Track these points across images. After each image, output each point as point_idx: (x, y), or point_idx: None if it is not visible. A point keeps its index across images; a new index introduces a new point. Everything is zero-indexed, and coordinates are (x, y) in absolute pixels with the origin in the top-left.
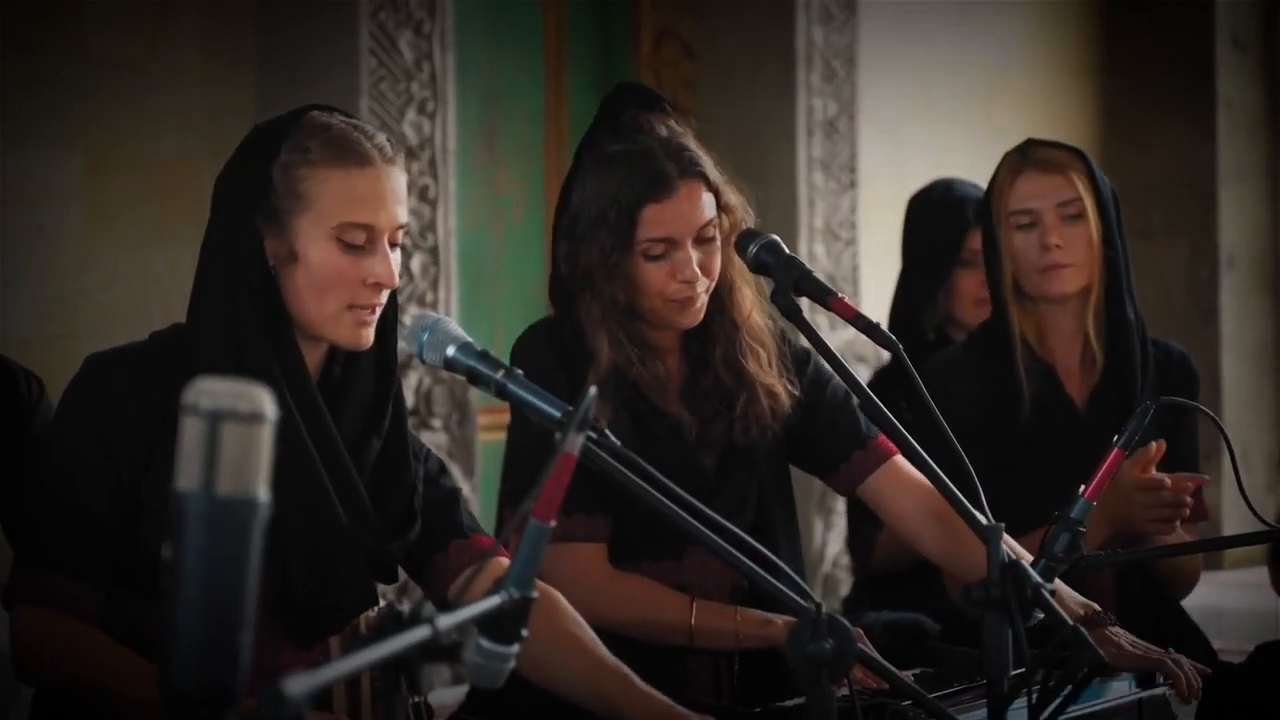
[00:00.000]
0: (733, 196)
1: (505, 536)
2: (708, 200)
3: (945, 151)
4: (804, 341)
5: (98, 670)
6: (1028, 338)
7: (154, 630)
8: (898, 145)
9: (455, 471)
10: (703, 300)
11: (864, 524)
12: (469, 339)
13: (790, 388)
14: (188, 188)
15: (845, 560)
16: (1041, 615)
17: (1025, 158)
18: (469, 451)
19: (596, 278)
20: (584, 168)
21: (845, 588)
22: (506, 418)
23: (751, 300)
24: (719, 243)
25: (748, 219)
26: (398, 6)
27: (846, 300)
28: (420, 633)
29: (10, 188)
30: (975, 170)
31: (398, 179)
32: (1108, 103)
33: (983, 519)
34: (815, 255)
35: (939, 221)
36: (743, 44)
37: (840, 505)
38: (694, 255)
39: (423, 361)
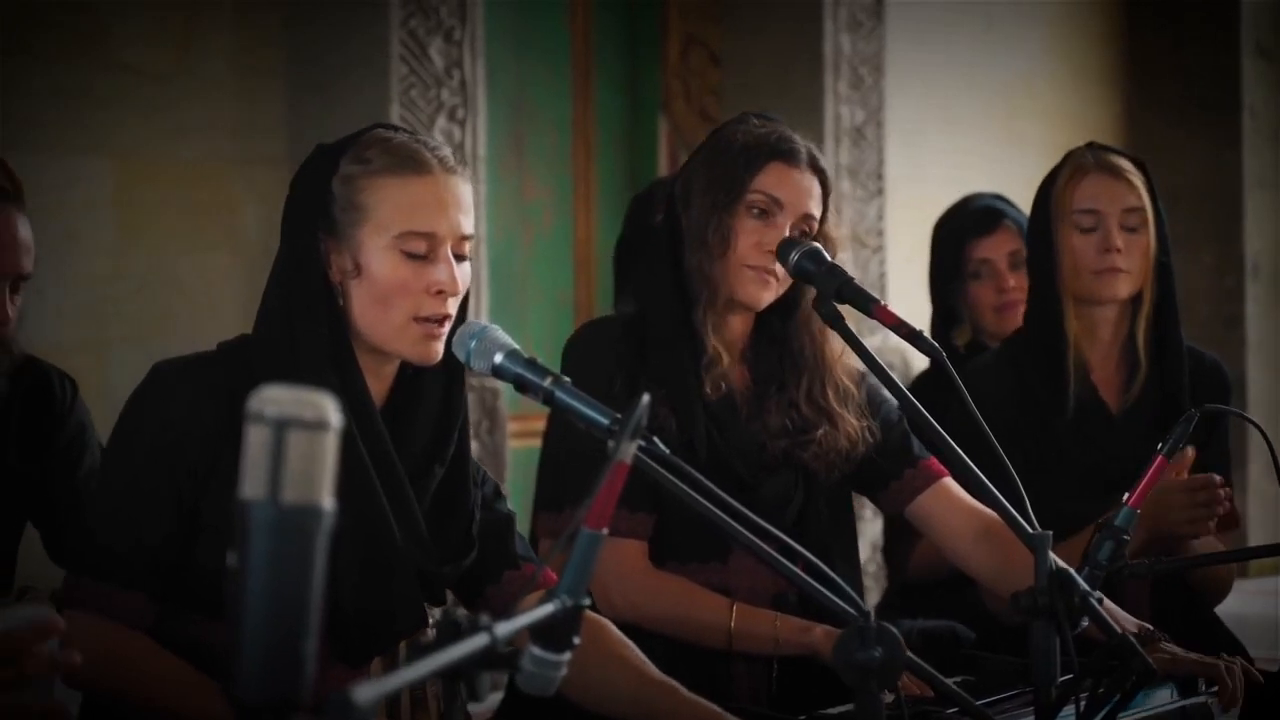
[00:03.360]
0: (833, 228)
1: (560, 545)
2: (819, 200)
3: (969, 159)
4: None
5: (148, 681)
6: (1075, 340)
7: (207, 643)
8: (922, 153)
9: None
10: (774, 289)
11: (901, 536)
12: (516, 346)
13: (870, 435)
14: (218, 197)
15: (872, 568)
16: (1086, 624)
17: (1093, 160)
18: (499, 459)
19: (697, 221)
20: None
21: (874, 595)
22: (536, 424)
23: (842, 346)
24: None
25: (835, 253)
26: (428, 14)
27: (889, 308)
28: (479, 641)
29: (41, 196)
30: (999, 178)
31: (460, 189)
32: (1131, 111)
33: (1029, 527)
34: (841, 263)
35: (942, 240)
36: (770, 51)
37: (868, 513)
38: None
39: (470, 369)
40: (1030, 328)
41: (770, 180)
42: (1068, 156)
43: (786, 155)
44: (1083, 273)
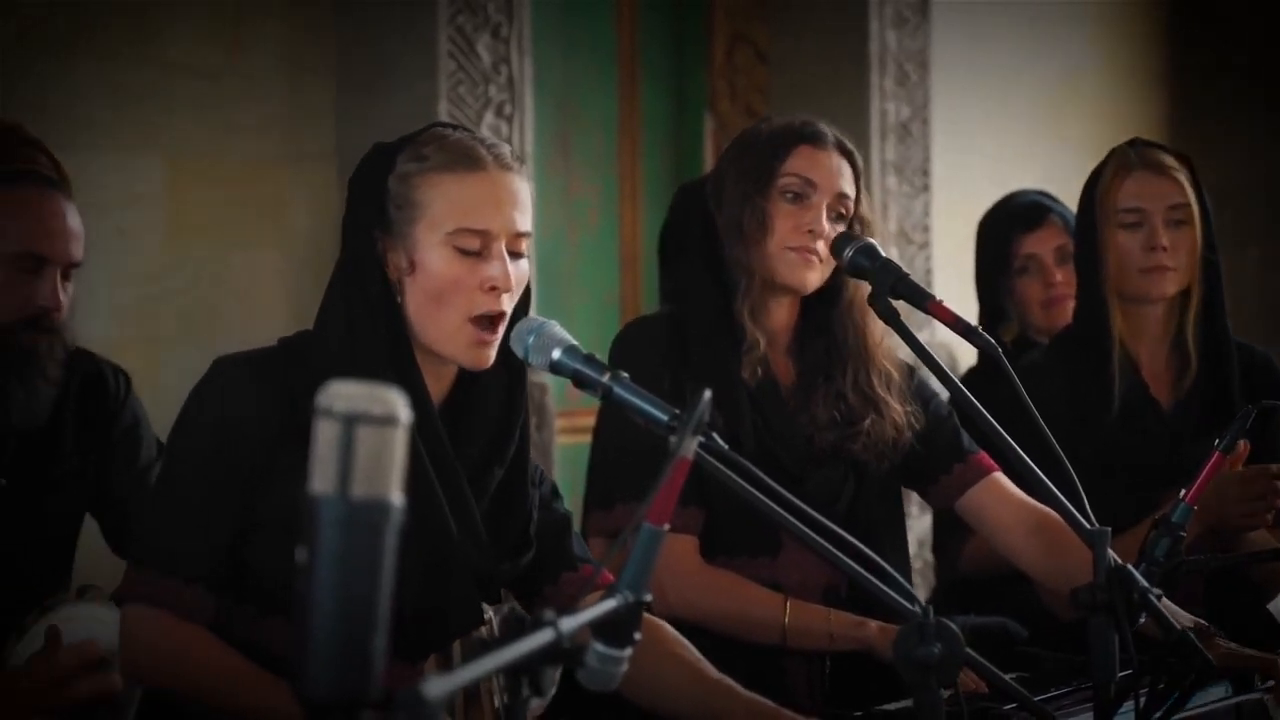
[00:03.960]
0: (866, 210)
1: (619, 542)
2: (850, 180)
3: (1015, 156)
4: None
5: (210, 675)
6: (1122, 338)
7: (263, 640)
8: (968, 149)
9: None
10: (819, 271)
11: (952, 531)
12: (574, 342)
13: (915, 421)
14: (267, 193)
15: (919, 565)
16: (1143, 620)
17: (1136, 157)
18: (547, 455)
19: (732, 211)
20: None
21: (921, 592)
22: (584, 421)
23: (882, 330)
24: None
25: (871, 236)
26: (476, 10)
27: (944, 304)
28: (544, 636)
29: (91, 193)
30: (1045, 175)
31: (516, 186)
32: (1177, 109)
33: (1086, 523)
34: (889, 258)
35: (988, 236)
36: (816, 48)
37: (914, 509)
38: (825, 216)
39: (529, 364)
40: (1078, 325)
41: (800, 163)
42: (1111, 154)
43: (812, 138)
44: (1129, 271)
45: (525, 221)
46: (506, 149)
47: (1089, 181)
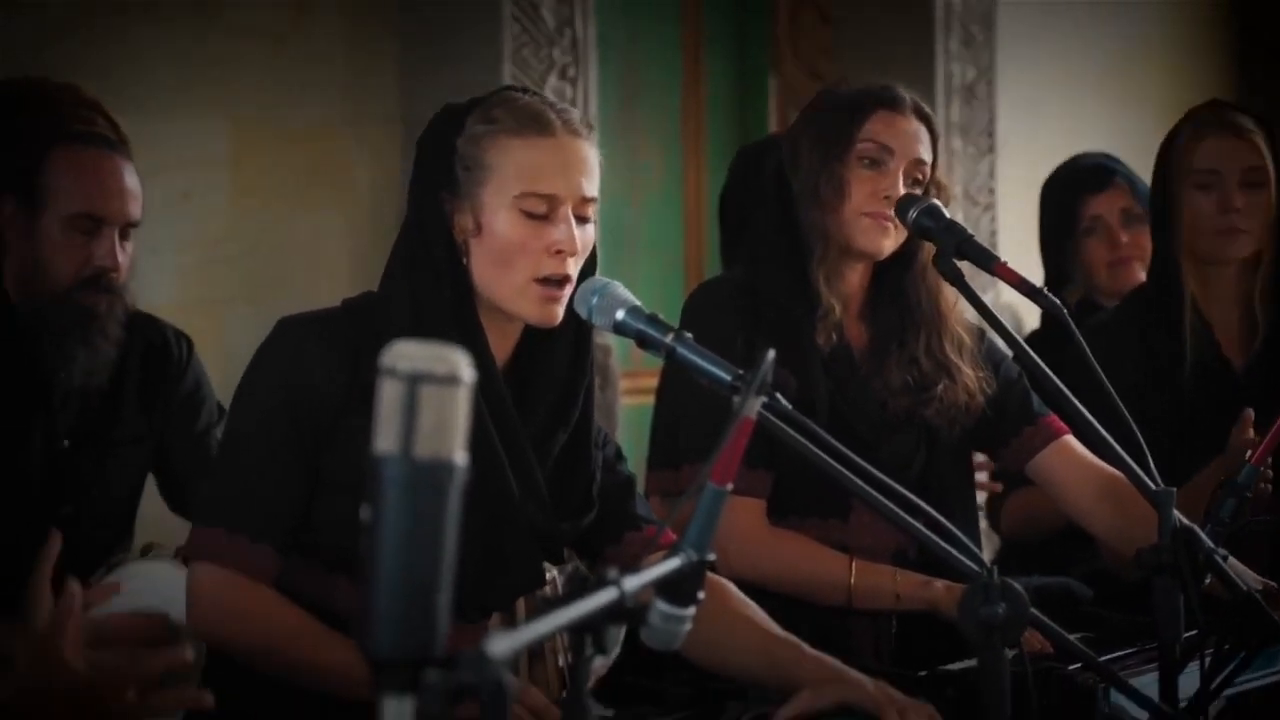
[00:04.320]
0: (942, 175)
1: (682, 501)
2: (928, 146)
3: (1082, 117)
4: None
5: (278, 633)
6: (1195, 298)
7: (326, 599)
8: (1034, 110)
9: None
10: (894, 237)
11: (1001, 494)
12: (637, 302)
13: (986, 386)
14: (331, 156)
15: (985, 526)
16: (1208, 581)
17: (1214, 118)
18: (611, 416)
19: (809, 175)
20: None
21: (986, 553)
22: (648, 382)
23: (955, 295)
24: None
25: (946, 201)
26: None
27: (1009, 266)
28: (607, 595)
29: (155, 156)
30: (1112, 137)
31: (584, 151)
32: (1249, 69)
33: (1152, 484)
34: (954, 219)
35: (1053, 198)
36: (880, 9)
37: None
38: (901, 183)
39: (593, 325)
40: (1151, 285)
41: (878, 128)
42: (1189, 115)
43: (891, 103)
44: (1202, 232)
45: (592, 187)
46: (576, 114)
47: (1165, 141)
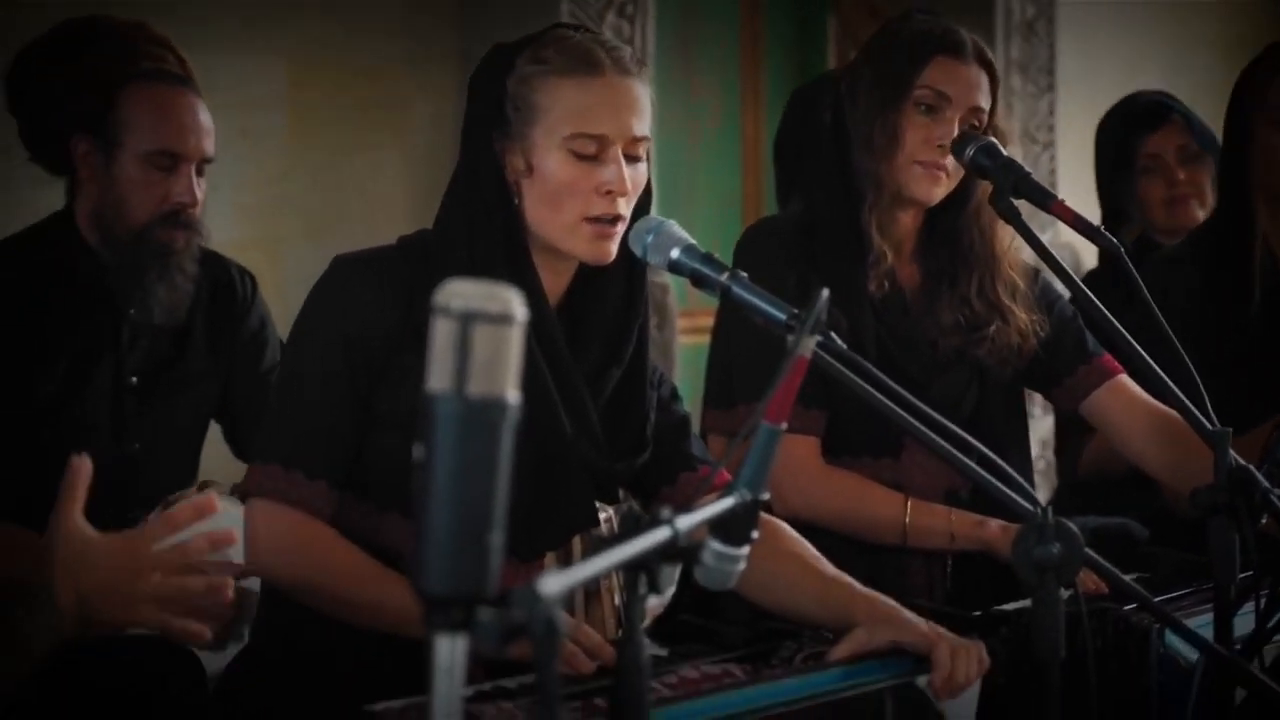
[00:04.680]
0: (1001, 120)
1: (738, 441)
2: (987, 93)
3: (1141, 56)
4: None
5: (333, 569)
6: (1266, 235)
7: (379, 536)
8: (1095, 49)
9: None
10: (945, 186)
11: (1072, 435)
12: (693, 241)
13: (1039, 329)
14: (388, 95)
15: (1041, 465)
16: (1265, 521)
17: None
18: (668, 354)
19: (864, 119)
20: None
21: (1043, 493)
22: (704, 321)
23: (1010, 237)
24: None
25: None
26: None
27: (1066, 204)
28: (661, 534)
29: (213, 95)
30: (1172, 76)
31: (635, 90)
32: None
33: (1207, 423)
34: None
35: (1109, 136)
36: None
37: (1037, 410)
38: (956, 130)
39: (647, 263)
40: (1219, 220)
41: (937, 75)
42: (1268, 50)
43: (952, 49)
44: (1277, 168)
45: (643, 126)
46: (627, 52)
47: (1242, 77)
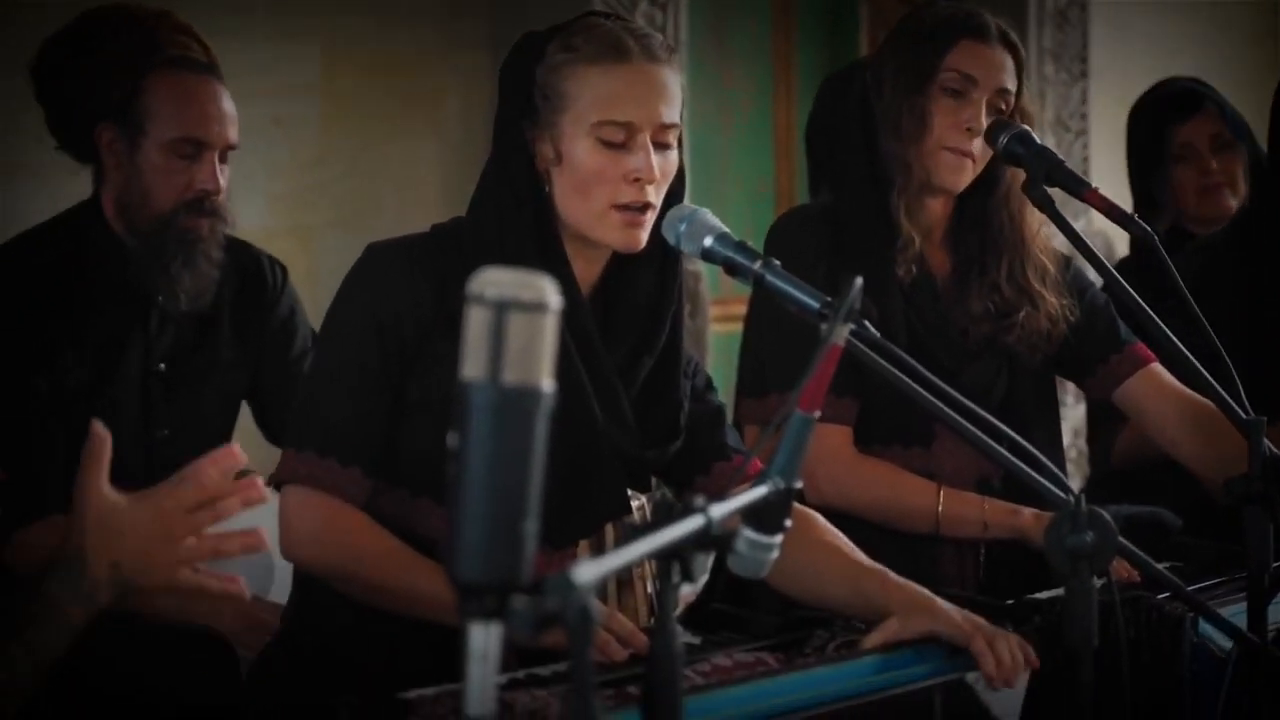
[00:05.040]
0: (1028, 103)
1: (771, 429)
2: (1013, 74)
3: (1174, 43)
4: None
5: (367, 555)
6: None
7: (412, 523)
8: (1128, 36)
9: None
10: (971, 171)
11: (1105, 423)
12: (726, 229)
13: (1069, 314)
14: (421, 83)
15: (1074, 454)
16: None
17: None
18: (701, 342)
19: (891, 105)
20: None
21: (1075, 482)
22: (737, 309)
23: (1039, 221)
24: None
25: (1034, 127)
26: None
27: (1100, 192)
28: (694, 522)
29: (247, 82)
30: (1206, 63)
31: (663, 77)
32: None
33: (1242, 413)
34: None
35: (1141, 124)
36: None
37: (1069, 399)
38: (984, 113)
39: (680, 252)
40: (1263, 209)
41: (962, 58)
42: None
43: (976, 31)
44: None
45: (671, 114)
46: (657, 40)
47: None
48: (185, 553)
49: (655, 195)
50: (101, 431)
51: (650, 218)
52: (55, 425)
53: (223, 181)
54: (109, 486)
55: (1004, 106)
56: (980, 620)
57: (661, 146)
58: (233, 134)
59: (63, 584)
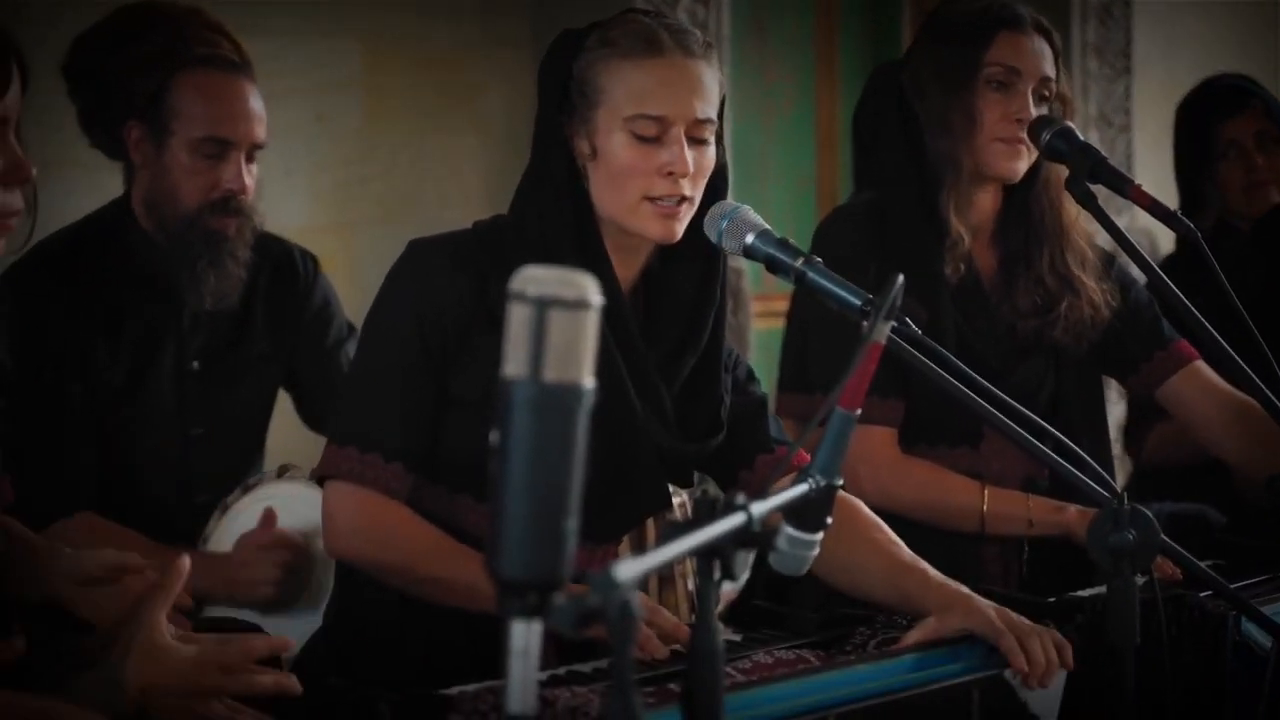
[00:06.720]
0: (1066, 88)
1: (814, 424)
2: (1051, 61)
3: (1220, 39)
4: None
5: (411, 550)
6: None
7: (454, 518)
8: (1172, 32)
9: None
10: (1026, 159)
11: (1139, 420)
12: (767, 226)
13: (1110, 299)
14: (463, 79)
15: (1117, 452)
16: None
17: None
18: (743, 339)
19: (937, 104)
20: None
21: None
22: (779, 305)
23: (1076, 209)
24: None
25: (1071, 115)
26: None
27: (1143, 189)
28: (735, 520)
29: (289, 79)
30: (1250, 59)
31: (698, 72)
32: None
33: None
34: (1088, 142)
35: (1187, 121)
36: None
37: (1112, 395)
38: (1031, 102)
39: (722, 249)
40: None
41: (1004, 50)
42: None
43: (1013, 23)
44: None
45: (706, 109)
46: (693, 35)
47: None
48: (215, 691)
49: (691, 189)
50: (179, 563)
51: (686, 211)
52: (89, 423)
53: (249, 181)
54: (165, 621)
55: (1047, 94)
56: (1017, 618)
57: (696, 141)
58: (260, 133)
59: (93, 686)
